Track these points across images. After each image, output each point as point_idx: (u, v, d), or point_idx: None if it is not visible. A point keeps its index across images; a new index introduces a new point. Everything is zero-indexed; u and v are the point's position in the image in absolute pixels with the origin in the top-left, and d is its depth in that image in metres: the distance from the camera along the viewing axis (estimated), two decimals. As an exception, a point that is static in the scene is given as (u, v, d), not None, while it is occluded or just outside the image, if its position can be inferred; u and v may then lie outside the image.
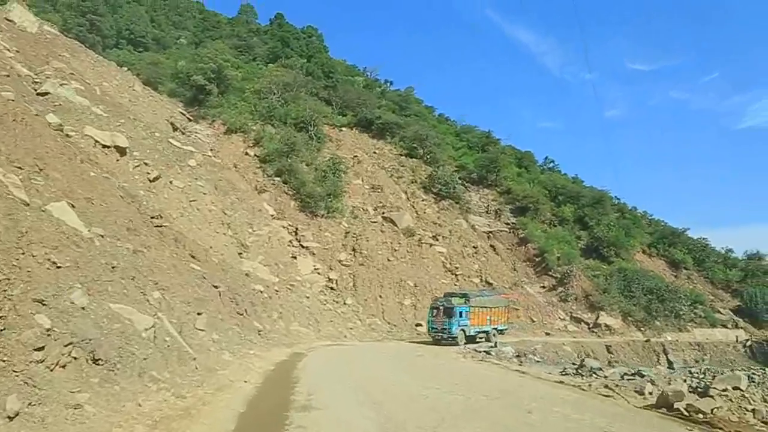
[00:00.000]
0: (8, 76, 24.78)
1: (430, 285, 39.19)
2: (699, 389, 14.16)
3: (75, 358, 10.04)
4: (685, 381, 16.57)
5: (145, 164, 31.50)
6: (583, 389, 15.36)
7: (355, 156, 52.88)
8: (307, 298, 34.82)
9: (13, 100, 18.97)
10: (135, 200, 22.98)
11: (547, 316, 42.28)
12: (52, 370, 9.25)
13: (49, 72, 32.54)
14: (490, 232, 50.26)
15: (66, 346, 9.87)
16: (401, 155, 55.66)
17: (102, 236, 15.21)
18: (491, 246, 48.33)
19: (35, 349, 9.09)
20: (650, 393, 14.04)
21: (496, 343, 31.07)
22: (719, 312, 47.72)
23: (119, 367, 11.00)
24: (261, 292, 29.76)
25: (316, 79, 63.98)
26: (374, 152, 55.43)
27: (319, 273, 38.67)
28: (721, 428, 10.35)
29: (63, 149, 18.63)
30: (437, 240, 44.98)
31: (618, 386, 15.39)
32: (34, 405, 8.32)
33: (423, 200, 49.66)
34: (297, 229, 41.57)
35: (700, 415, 11.09)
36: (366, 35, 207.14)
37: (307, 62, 67.78)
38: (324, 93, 61.98)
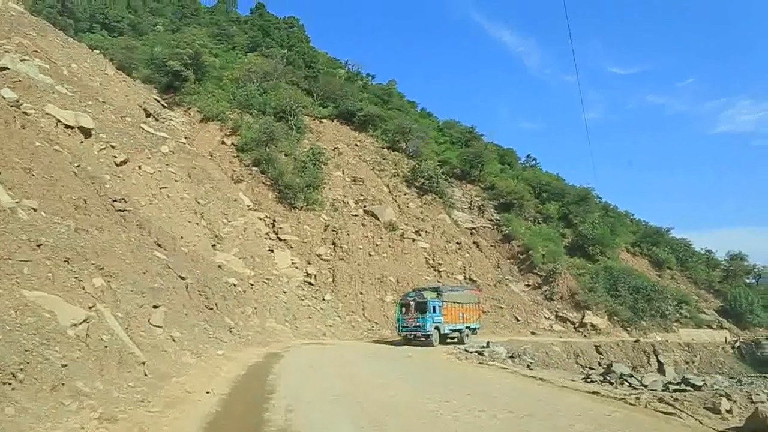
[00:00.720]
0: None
1: (412, 281, 37.61)
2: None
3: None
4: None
5: (112, 147, 29.45)
6: (630, 403, 11.94)
7: (336, 148, 51.13)
8: (284, 293, 33.11)
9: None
10: (96, 181, 20.99)
11: (532, 315, 41.04)
12: None
13: (9, 47, 30.35)
14: (473, 228, 48.90)
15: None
16: (383, 148, 53.96)
17: (34, 210, 12.99)
18: (474, 242, 46.94)
19: None
20: (728, 411, 10.88)
21: (468, 343, 28.33)
22: (704, 312, 47.02)
23: (22, 378, 7.98)
24: (234, 285, 27.87)
25: (296, 69, 62.05)
26: (356, 144, 53.71)
27: (296, 267, 36.94)
28: None
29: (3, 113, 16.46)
30: (420, 235, 43.44)
31: (678, 400, 11.92)
32: None
33: (405, 194, 48.09)
34: (274, 221, 39.78)
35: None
36: (348, 31, 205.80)
37: (288, 51, 65.76)
38: (305, 83, 59.95)
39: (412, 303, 27.95)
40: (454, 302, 30.08)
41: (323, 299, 35.22)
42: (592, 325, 40.61)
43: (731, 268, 55.50)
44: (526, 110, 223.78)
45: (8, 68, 27.30)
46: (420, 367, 19.34)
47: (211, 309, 21.95)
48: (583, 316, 41.31)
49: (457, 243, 44.68)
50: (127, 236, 18.63)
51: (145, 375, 11.62)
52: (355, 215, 42.77)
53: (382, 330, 33.68)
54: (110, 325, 11.68)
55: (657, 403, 11.72)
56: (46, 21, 44.11)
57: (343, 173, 47.75)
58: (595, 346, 35.62)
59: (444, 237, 44.64)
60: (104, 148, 28.95)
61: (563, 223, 52.68)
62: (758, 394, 13.17)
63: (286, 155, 45.69)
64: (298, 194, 41.57)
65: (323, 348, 25.12)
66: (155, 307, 15.66)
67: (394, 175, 50.29)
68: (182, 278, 20.43)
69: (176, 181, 33.74)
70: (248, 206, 39.25)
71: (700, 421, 10.09)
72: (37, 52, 32.74)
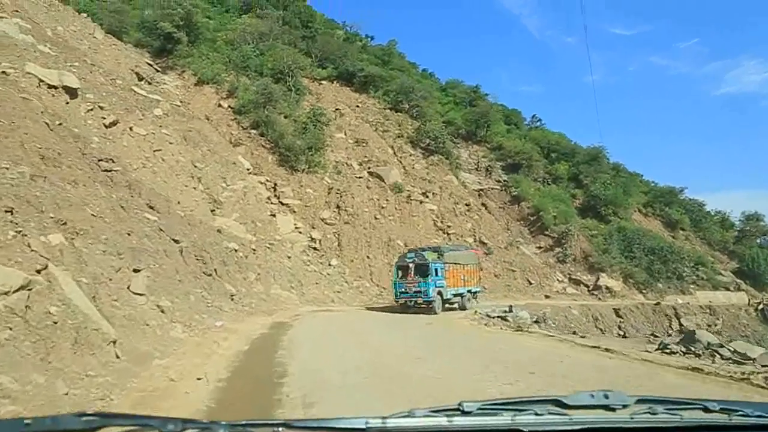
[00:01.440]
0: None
1: (420, 244, 35.81)
2: None
3: None
4: None
5: (100, 107, 27.44)
6: (756, 384, 9.08)
7: (337, 109, 49.03)
8: (289, 258, 31.54)
9: None
10: (80, 140, 19.21)
11: (545, 278, 39.68)
12: None
13: (-16, 4, 28.23)
14: (481, 189, 47.26)
15: None
16: (386, 109, 51.83)
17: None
18: (483, 204, 45.36)
19: None
20: None
21: (470, 308, 25.96)
22: (721, 274, 45.63)
23: None
24: (236, 250, 26.15)
25: (293, 29, 59.52)
26: (357, 106, 51.55)
27: (300, 232, 35.33)
28: None
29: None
30: (427, 197, 41.77)
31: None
32: None
33: (411, 155, 46.24)
34: (276, 184, 38.02)
35: None
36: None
37: (284, 11, 63.06)
38: (302, 44, 57.30)
39: (411, 265, 24.90)
40: (456, 263, 27.10)
41: (329, 264, 33.72)
42: (607, 288, 39.24)
43: (747, 228, 54.03)
44: (527, 73, 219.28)
45: (-18, 24, 25.26)
46: (448, 337, 17.14)
47: (210, 275, 20.24)
48: (598, 279, 39.94)
49: (466, 205, 43.08)
50: (110, 194, 16.69)
51: (117, 357, 9.03)
52: (360, 177, 40.99)
53: (391, 295, 32.23)
54: (66, 292, 8.72)
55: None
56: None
57: (346, 135, 45.77)
58: (614, 309, 34.18)
59: (452, 199, 42.99)
60: (92, 109, 26.91)
61: (573, 183, 51.05)
62: None
63: (285, 117, 43.67)
64: (299, 157, 39.68)
65: (334, 315, 23.51)
66: (136, 271, 13.19)
67: (398, 136, 48.34)
68: (176, 241, 18.72)
69: (171, 143, 31.82)
70: (248, 170, 37.43)
71: None
72: (17, 11, 30.48)
